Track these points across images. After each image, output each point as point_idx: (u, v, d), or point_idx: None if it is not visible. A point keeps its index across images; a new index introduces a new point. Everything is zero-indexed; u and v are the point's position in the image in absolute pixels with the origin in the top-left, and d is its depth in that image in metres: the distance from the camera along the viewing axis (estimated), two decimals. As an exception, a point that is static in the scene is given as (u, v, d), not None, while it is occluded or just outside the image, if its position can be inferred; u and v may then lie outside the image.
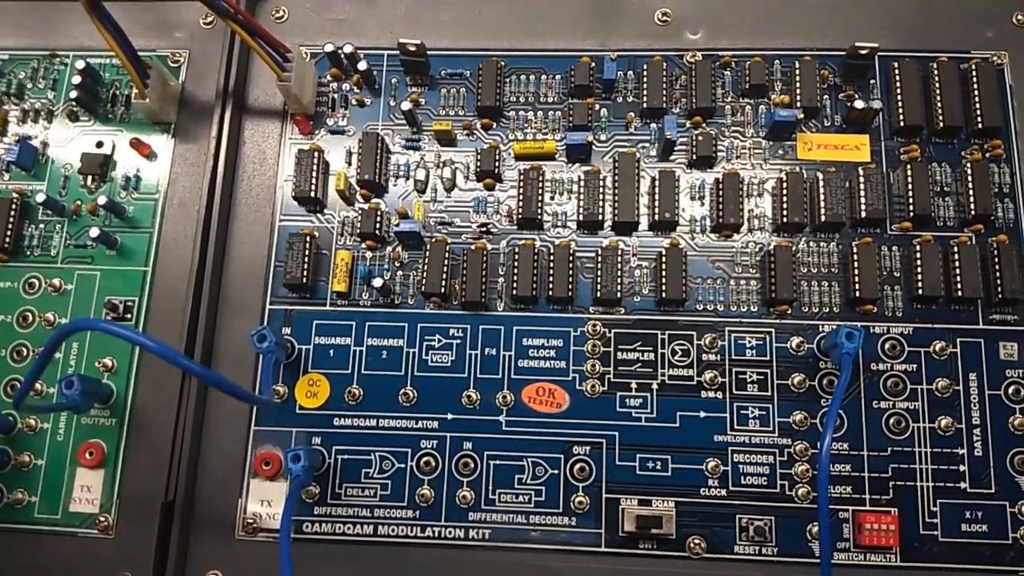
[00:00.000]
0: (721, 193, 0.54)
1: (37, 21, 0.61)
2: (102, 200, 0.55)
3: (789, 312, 0.52)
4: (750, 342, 0.52)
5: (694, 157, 0.55)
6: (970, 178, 0.53)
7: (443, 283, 0.53)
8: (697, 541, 0.49)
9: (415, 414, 0.52)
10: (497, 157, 0.55)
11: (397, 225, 0.54)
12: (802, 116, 0.55)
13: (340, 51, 0.57)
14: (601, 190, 0.54)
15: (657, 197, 0.54)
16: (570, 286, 0.53)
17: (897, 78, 0.55)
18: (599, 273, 0.53)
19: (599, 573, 0.50)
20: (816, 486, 0.50)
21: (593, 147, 0.56)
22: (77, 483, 0.52)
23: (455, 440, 0.52)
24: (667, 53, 0.57)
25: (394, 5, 0.60)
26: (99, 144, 0.58)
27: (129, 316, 0.54)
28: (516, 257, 0.53)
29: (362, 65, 0.56)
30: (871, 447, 0.50)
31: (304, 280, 0.53)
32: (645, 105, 0.56)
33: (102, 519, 0.51)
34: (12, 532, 0.51)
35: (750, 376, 0.52)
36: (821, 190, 0.53)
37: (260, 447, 0.52)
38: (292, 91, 0.55)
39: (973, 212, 0.53)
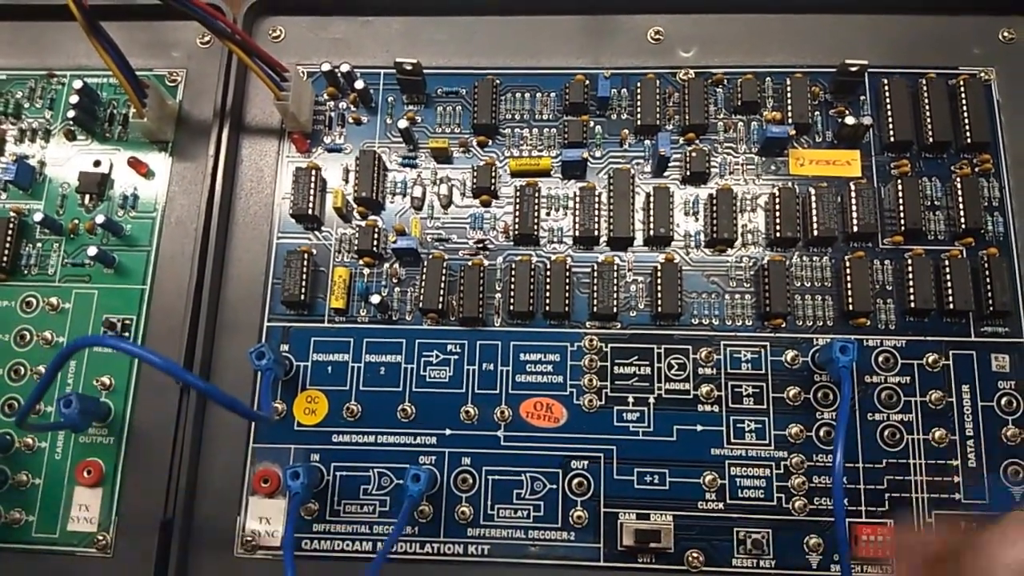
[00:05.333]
0: (715, 208, 0.54)
1: (34, 40, 0.61)
2: (100, 219, 0.55)
3: (783, 326, 0.53)
4: (745, 356, 0.53)
5: (688, 173, 0.55)
6: (960, 192, 0.54)
7: (440, 299, 0.53)
8: (695, 555, 0.50)
9: (413, 430, 0.52)
10: (493, 174, 0.56)
11: (394, 242, 0.54)
12: (794, 132, 0.55)
13: (337, 70, 0.57)
14: (596, 206, 0.55)
15: (652, 213, 0.54)
16: (567, 301, 0.53)
17: (887, 94, 0.56)
18: (595, 288, 0.53)
19: (598, 587, 0.50)
20: (815, 497, 0.50)
21: (588, 164, 0.56)
22: (75, 502, 0.52)
23: (453, 456, 0.52)
24: (660, 71, 0.58)
25: (390, 24, 0.60)
26: (97, 163, 0.58)
27: (127, 334, 0.54)
28: (513, 273, 0.53)
29: (359, 84, 0.57)
30: (866, 459, 0.51)
31: (302, 297, 0.54)
32: (639, 122, 0.56)
33: (100, 538, 0.51)
34: (10, 552, 0.51)
35: (746, 389, 0.52)
36: (813, 205, 0.54)
37: (259, 464, 0.52)
38: (289, 110, 0.55)
39: (964, 225, 0.53)
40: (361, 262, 0.55)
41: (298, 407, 0.53)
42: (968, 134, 0.55)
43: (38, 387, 0.43)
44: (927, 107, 0.55)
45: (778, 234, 0.54)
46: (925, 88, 0.56)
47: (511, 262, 0.54)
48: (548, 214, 0.56)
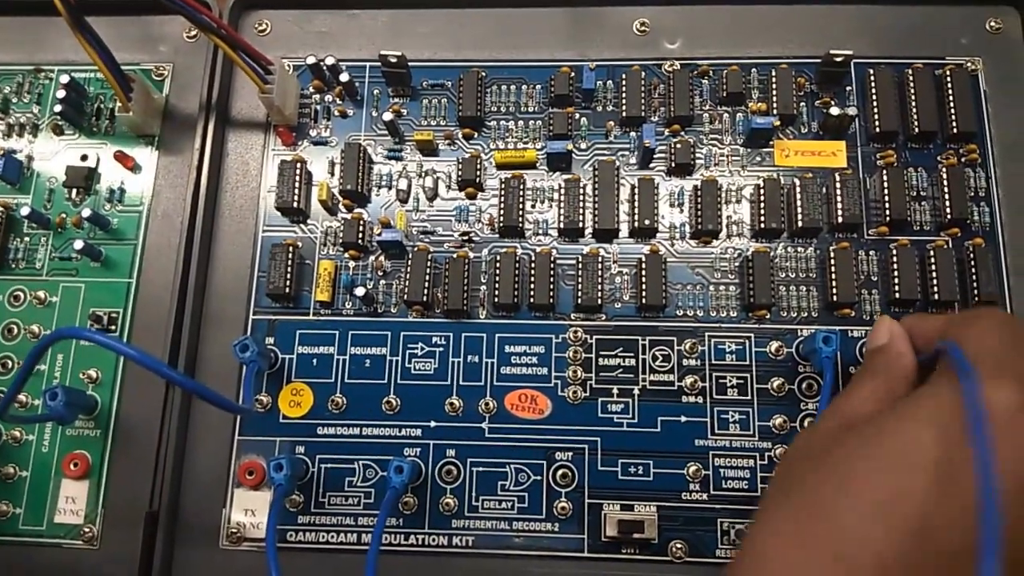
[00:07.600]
0: (700, 200, 0.54)
1: (22, 36, 0.61)
2: (87, 213, 0.55)
3: (768, 317, 0.53)
4: (730, 347, 0.53)
5: (673, 165, 0.55)
6: (946, 183, 0.54)
7: (425, 291, 0.53)
8: (679, 545, 0.50)
9: (398, 422, 0.53)
10: (478, 166, 0.56)
11: (379, 234, 0.54)
12: (779, 123, 0.55)
13: (322, 63, 0.57)
14: (581, 198, 0.55)
15: (637, 204, 0.54)
16: (551, 293, 0.53)
17: (872, 85, 0.55)
18: (580, 280, 0.53)
19: (582, 578, 0.50)
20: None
21: (573, 156, 0.56)
22: (62, 494, 0.52)
23: (438, 448, 0.52)
24: (645, 63, 0.58)
25: (375, 17, 0.60)
26: (84, 157, 0.58)
27: (114, 328, 0.55)
28: (498, 265, 0.53)
29: (344, 77, 0.57)
30: (851, 450, 0.51)
31: (287, 290, 0.54)
32: (624, 114, 0.56)
33: (87, 530, 0.51)
34: (-3, 544, 0.52)
35: (730, 380, 0.52)
36: (798, 196, 0.53)
37: (244, 457, 0.52)
38: (275, 103, 0.55)
39: (949, 216, 0.53)
40: (346, 255, 0.55)
41: (283, 400, 0.53)
42: (954, 124, 0.55)
43: (17, 377, 0.43)
44: (913, 97, 0.55)
45: (763, 225, 0.54)
46: (911, 78, 0.55)
47: (496, 254, 0.54)
48: (533, 206, 0.56)
